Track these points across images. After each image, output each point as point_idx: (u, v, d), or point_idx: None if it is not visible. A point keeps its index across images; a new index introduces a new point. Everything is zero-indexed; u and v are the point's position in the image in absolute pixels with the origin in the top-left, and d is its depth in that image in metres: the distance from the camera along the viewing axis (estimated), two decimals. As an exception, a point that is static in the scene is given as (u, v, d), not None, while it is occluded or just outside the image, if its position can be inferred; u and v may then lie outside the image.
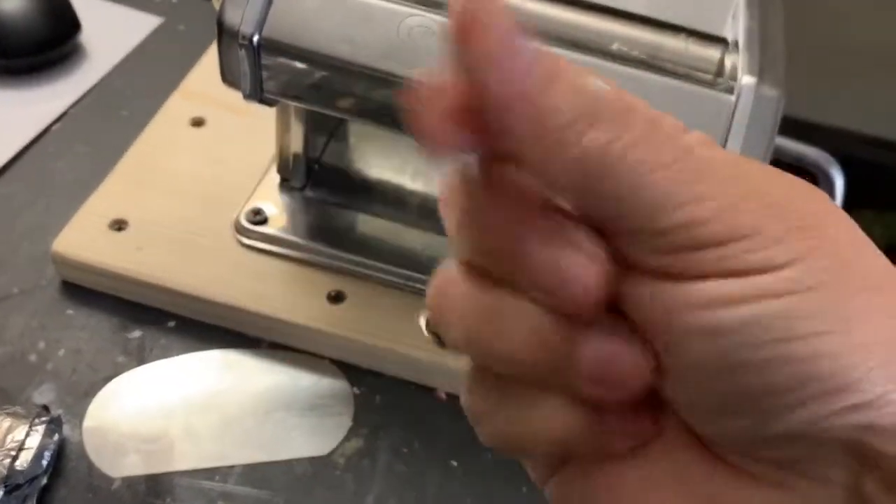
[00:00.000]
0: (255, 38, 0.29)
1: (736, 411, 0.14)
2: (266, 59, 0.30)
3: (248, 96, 0.31)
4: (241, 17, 0.29)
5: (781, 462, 0.14)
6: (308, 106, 0.33)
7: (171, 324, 0.38)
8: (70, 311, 0.38)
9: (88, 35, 0.51)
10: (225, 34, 0.30)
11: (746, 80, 0.28)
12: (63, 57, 0.49)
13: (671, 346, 0.14)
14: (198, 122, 0.44)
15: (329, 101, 0.31)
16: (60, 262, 0.38)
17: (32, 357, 0.36)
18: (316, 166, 0.41)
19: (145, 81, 0.50)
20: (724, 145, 0.28)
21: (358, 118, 0.30)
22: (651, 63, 0.31)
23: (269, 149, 0.41)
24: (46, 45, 0.48)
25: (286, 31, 0.30)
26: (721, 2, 0.33)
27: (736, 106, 0.28)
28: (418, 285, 0.38)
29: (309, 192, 0.41)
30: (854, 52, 1.06)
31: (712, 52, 0.33)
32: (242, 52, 0.30)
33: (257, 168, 0.42)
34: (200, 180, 0.41)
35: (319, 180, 0.41)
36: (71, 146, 0.45)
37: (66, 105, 0.47)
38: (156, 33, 0.53)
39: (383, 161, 0.43)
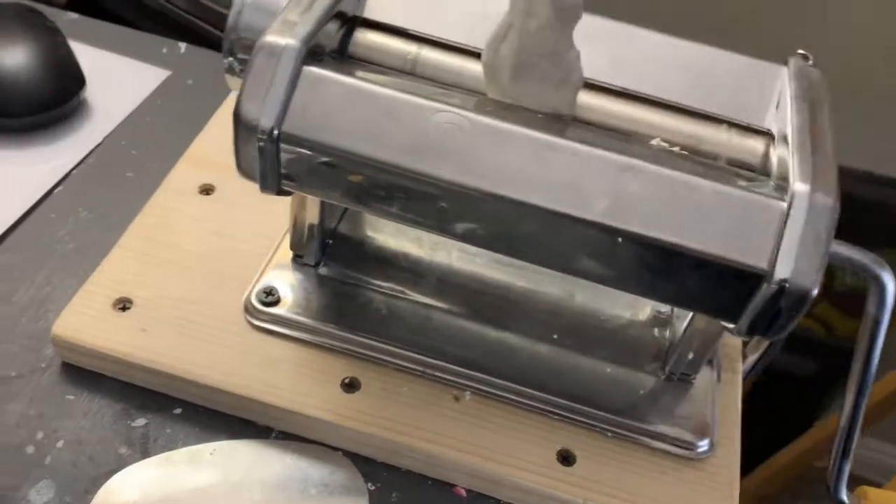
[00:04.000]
0: (275, 133, 0.28)
1: None
2: (285, 155, 0.28)
3: (264, 189, 0.29)
4: (260, 111, 0.28)
5: None
6: (329, 200, 0.31)
7: (178, 410, 0.36)
8: (70, 397, 0.36)
9: (93, 90, 0.49)
10: (242, 127, 0.28)
11: (799, 186, 0.26)
12: (67, 114, 0.48)
13: None
14: (206, 190, 0.42)
15: (352, 197, 0.29)
16: (61, 345, 0.36)
17: (30, 449, 0.34)
18: (330, 241, 0.40)
19: (152, 139, 0.48)
20: (776, 254, 0.26)
21: (382, 215, 0.28)
22: (694, 160, 0.29)
23: (280, 218, 0.40)
24: (51, 103, 0.46)
25: (307, 126, 0.28)
26: (764, 91, 0.31)
27: (788, 214, 0.26)
28: (437, 373, 0.36)
29: (323, 270, 0.39)
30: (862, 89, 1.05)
31: (756, 145, 0.31)
32: (260, 147, 0.28)
33: (269, 240, 0.40)
34: (209, 255, 0.39)
35: (334, 255, 0.39)
36: (74, 211, 0.44)
37: (69, 166, 0.46)
38: (163, 87, 0.52)
39: (401, 231, 0.41)
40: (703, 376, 0.38)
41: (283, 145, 0.28)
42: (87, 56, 0.50)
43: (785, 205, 0.27)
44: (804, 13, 1.01)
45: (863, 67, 1.02)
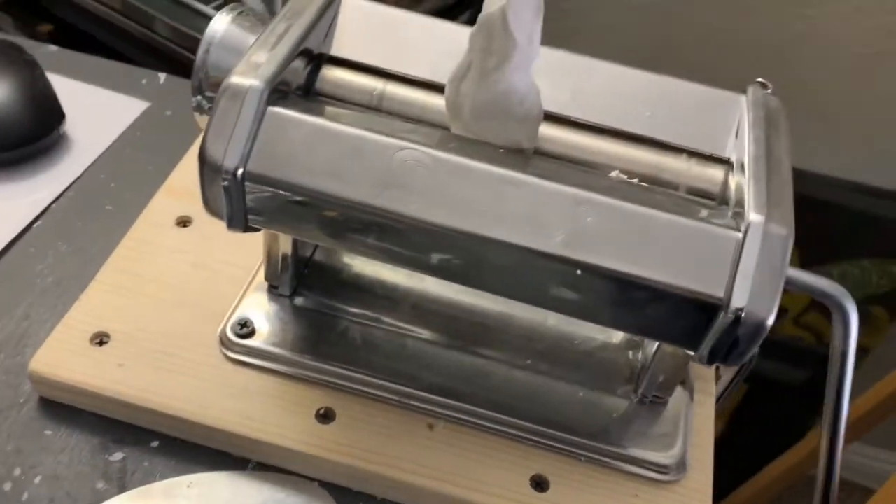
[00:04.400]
0: (240, 173, 0.28)
1: None
2: (251, 194, 0.29)
3: (231, 227, 0.30)
4: (224, 151, 0.28)
5: None
6: (296, 236, 0.32)
7: (155, 443, 0.37)
8: (48, 432, 0.37)
9: (73, 123, 0.50)
10: (207, 168, 0.28)
11: (754, 217, 0.27)
12: (47, 148, 0.48)
13: None
14: (184, 222, 0.43)
15: (317, 234, 0.29)
16: (38, 381, 0.37)
17: (7, 486, 0.35)
18: (305, 270, 0.40)
19: (131, 171, 0.49)
20: (732, 284, 0.27)
21: (348, 250, 0.29)
22: (653, 191, 0.29)
23: (257, 248, 0.40)
24: (30, 137, 0.47)
25: (272, 165, 0.28)
26: (723, 120, 0.32)
27: (744, 244, 0.27)
28: (412, 402, 0.36)
29: (298, 300, 0.39)
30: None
31: (716, 174, 0.32)
32: (225, 187, 0.28)
33: (245, 271, 0.41)
34: (186, 287, 0.40)
35: (310, 284, 0.40)
36: (53, 245, 0.44)
37: (48, 200, 0.46)
38: (142, 118, 0.52)
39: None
40: (677, 398, 0.38)
41: (248, 184, 0.28)
42: (67, 89, 0.51)
43: (740, 235, 0.27)
44: (780, 32, 1.03)
45: (843, 80, 1.03)
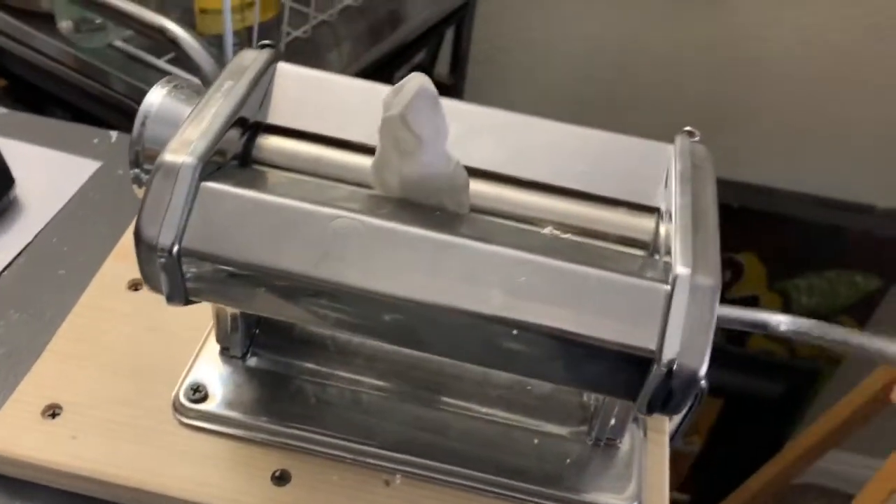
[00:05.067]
0: (175, 250, 0.28)
1: None
2: (188, 268, 0.29)
3: (171, 302, 0.30)
4: (159, 229, 0.28)
5: None
6: (237, 308, 0.32)
7: (112, 514, 0.36)
8: (2, 509, 0.36)
9: (23, 187, 0.50)
10: (143, 246, 0.29)
11: (681, 270, 0.28)
12: (-4, 215, 0.48)
13: None
14: (135, 286, 0.43)
15: (257, 305, 0.30)
16: (-10, 458, 0.36)
17: (-39, 568, 0.34)
18: (256, 330, 0.40)
19: (84, 234, 0.49)
20: (663, 337, 0.27)
21: (290, 320, 0.29)
22: (585, 246, 0.30)
23: (208, 309, 0.40)
24: (-22, 206, 0.47)
25: (207, 240, 0.29)
26: (653, 170, 0.33)
27: (672, 297, 0.27)
28: (367, 459, 0.37)
29: (251, 360, 0.39)
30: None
31: (647, 224, 0.32)
32: (161, 263, 0.29)
33: (197, 333, 0.41)
34: (139, 352, 0.40)
35: (262, 344, 0.40)
36: (5, 314, 0.44)
37: (0, 267, 0.46)
38: (94, 178, 0.52)
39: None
40: (630, 438, 0.38)
41: (184, 260, 0.29)
42: (16, 152, 0.51)
43: (668, 288, 0.28)
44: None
45: (814, 97, 1.05)
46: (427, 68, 0.98)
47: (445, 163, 0.30)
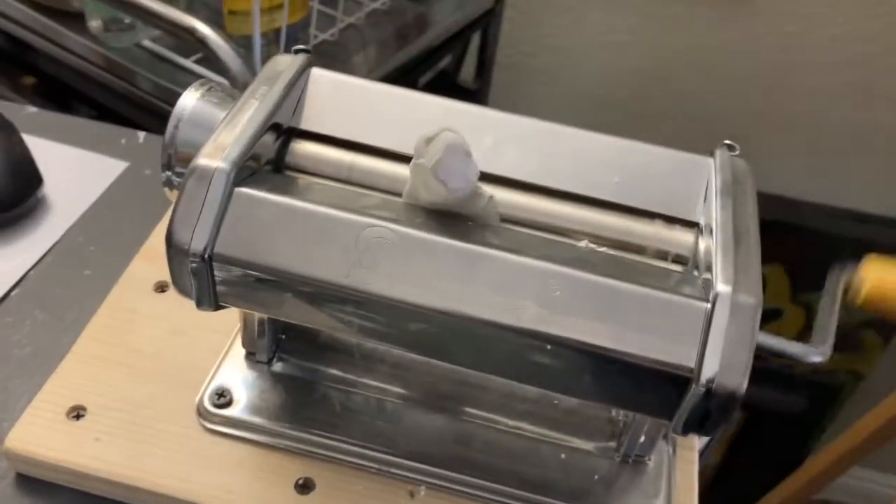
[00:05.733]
0: (206, 255, 0.28)
1: None
2: (219, 274, 0.29)
3: (200, 307, 0.30)
4: (192, 234, 0.28)
5: None
6: (266, 314, 0.31)
7: (134, 518, 0.36)
8: (25, 509, 0.36)
9: (51, 186, 0.50)
10: (174, 250, 0.28)
11: (722, 287, 0.27)
12: (25, 214, 0.48)
13: None
14: (162, 287, 0.43)
15: (287, 312, 0.29)
16: (14, 458, 0.36)
17: (-17, 568, 0.34)
18: (283, 335, 0.40)
19: (110, 234, 0.49)
20: (702, 356, 0.27)
21: (320, 328, 0.29)
22: (622, 261, 0.29)
23: (235, 313, 0.40)
24: (7, 204, 0.47)
25: (239, 246, 0.28)
26: (691, 184, 0.32)
27: (712, 315, 0.27)
28: (392, 469, 0.36)
29: (277, 366, 0.39)
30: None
31: (686, 238, 0.32)
32: (192, 269, 0.28)
33: (223, 336, 0.40)
34: (164, 355, 0.40)
35: (288, 349, 0.40)
36: (31, 314, 0.44)
37: (27, 266, 0.46)
38: (122, 178, 0.52)
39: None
40: (659, 455, 0.38)
41: (215, 265, 0.28)
42: (45, 151, 0.51)
43: (709, 305, 0.27)
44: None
45: (840, 107, 1.04)
46: (452, 73, 0.98)
47: (476, 201, 0.30)
